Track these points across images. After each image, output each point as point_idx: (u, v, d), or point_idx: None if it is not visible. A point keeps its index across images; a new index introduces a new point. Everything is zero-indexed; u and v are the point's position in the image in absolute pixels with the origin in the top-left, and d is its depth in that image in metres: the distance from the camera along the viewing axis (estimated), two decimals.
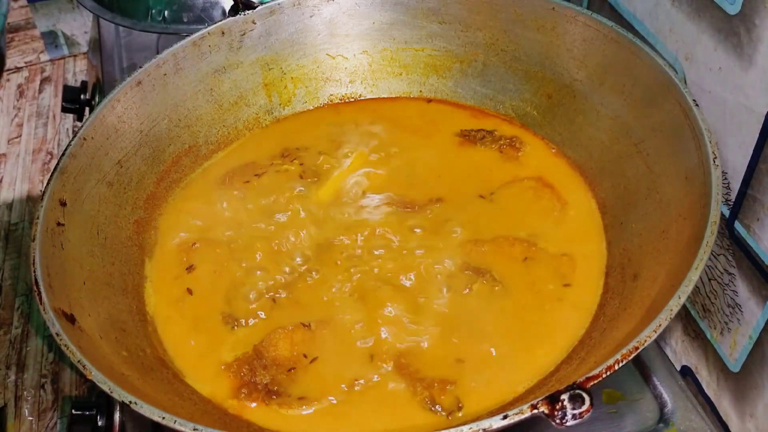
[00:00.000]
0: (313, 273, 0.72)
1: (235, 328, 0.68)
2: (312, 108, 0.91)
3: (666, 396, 0.69)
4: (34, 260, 0.62)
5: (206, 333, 0.68)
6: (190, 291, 0.72)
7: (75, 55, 2.39)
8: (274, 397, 0.62)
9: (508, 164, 0.81)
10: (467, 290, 0.68)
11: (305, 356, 0.65)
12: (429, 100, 0.91)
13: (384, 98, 0.92)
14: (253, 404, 0.62)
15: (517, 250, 0.71)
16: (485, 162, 0.82)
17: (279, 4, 0.87)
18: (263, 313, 0.69)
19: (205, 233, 0.77)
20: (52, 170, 0.70)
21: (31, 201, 1.94)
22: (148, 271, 0.74)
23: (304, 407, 0.61)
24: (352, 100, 0.92)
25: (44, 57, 2.37)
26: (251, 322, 0.68)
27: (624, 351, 0.50)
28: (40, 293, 0.59)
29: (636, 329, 0.53)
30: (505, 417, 0.47)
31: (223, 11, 1.16)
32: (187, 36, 0.83)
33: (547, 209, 0.75)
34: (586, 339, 0.63)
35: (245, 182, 0.82)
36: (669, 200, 0.65)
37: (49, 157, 2.06)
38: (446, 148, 0.84)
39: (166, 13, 1.16)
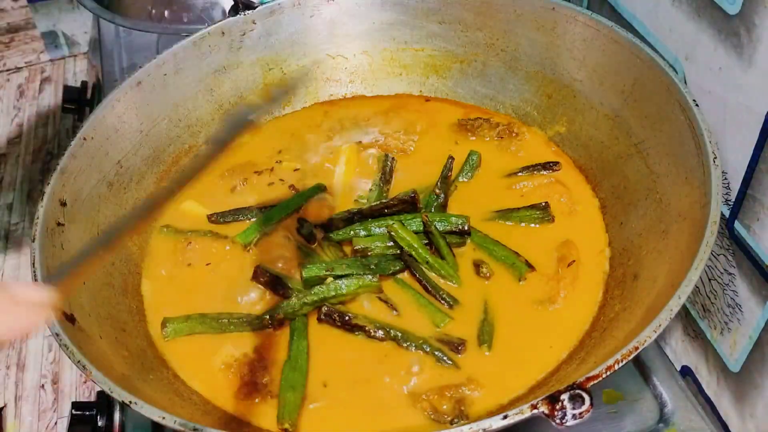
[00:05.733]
0: None
1: (235, 326, 0.68)
2: (309, 105, 0.92)
3: (666, 396, 0.69)
4: (34, 260, 0.62)
5: (206, 333, 0.68)
6: (188, 290, 0.72)
7: (75, 55, 2.39)
8: (274, 397, 0.62)
9: (509, 158, 0.81)
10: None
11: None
12: (427, 99, 0.91)
13: (383, 96, 0.92)
14: (253, 403, 0.62)
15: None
16: (484, 154, 0.82)
17: (279, 4, 0.87)
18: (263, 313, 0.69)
19: (202, 231, 0.77)
20: (52, 170, 0.70)
21: (31, 201, 1.94)
22: (146, 270, 0.74)
23: (303, 407, 0.61)
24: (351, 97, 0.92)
25: (44, 57, 2.37)
26: (252, 321, 0.68)
27: (624, 351, 0.50)
28: None
29: (636, 329, 0.53)
30: (505, 417, 0.47)
31: (223, 11, 1.16)
32: (187, 36, 0.83)
33: (555, 210, 0.75)
34: (586, 339, 0.63)
35: (244, 180, 0.82)
36: (669, 200, 0.65)
37: (49, 157, 2.05)
38: (447, 139, 0.85)
39: (166, 13, 1.16)
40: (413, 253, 0.70)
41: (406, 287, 0.69)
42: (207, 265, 0.74)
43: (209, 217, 0.78)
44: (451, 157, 0.80)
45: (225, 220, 0.78)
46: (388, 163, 0.81)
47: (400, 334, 0.65)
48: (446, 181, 0.78)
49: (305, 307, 0.67)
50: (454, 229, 0.72)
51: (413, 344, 0.64)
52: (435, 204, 0.76)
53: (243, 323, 0.67)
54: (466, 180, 0.79)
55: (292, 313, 0.67)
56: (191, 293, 0.71)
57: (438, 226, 0.71)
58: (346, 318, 0.66)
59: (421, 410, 0.60)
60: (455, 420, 0.59)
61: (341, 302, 0.68)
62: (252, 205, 0.79)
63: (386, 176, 0.80)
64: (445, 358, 0.63)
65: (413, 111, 0.89)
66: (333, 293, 0.67)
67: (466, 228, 0.72)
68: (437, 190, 0.76)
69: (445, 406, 0.60)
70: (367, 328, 0.65)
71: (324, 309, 0.66)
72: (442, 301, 0.68)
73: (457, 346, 0.64)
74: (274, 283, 0.70)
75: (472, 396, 0.61)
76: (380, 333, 0.65)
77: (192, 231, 0.77)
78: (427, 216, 0.71)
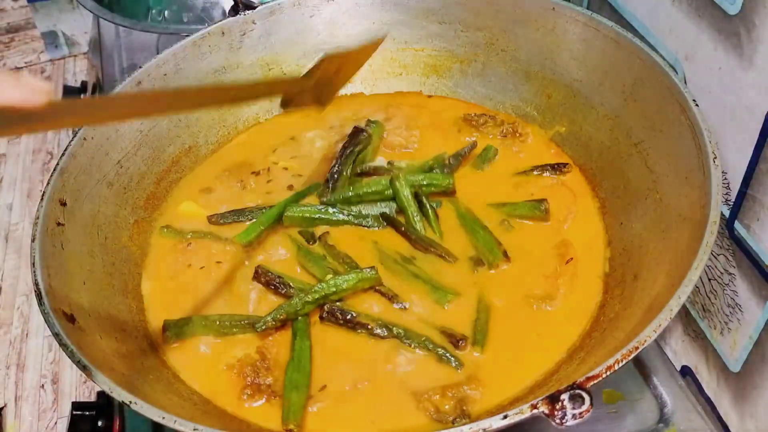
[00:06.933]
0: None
1: (237, 328, 0.68)
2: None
3: (666, 396, 0.69)
4: (34, 260, 0.62)
5: (208, 333, 0.68)
6: (189, 291, 0.72)
7: (75, 55, 2.40)
8: (277, 397, 0.62)
9: (511, 157, 0.82)
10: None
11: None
12: (430, 96, 0.91)
13: (383, 94, 0.92)
14: (257, 404, 0.62)
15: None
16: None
17: (279, 4, 0.87)
18: (265, 314, 0.68)
19: (202, 232, 0.77)
20: (52, 170, 0.70)
21: (31, 201, 1.94)
22: (146, 271, 0.74)
23: (307, 408, 0.61)
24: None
25: (44, 57, 2.38)
26: (253, 323, 0.68)
27: (624, 351, 0.50)
28: (40, 293, 0.59)
29: (636, 329, 0.53)
30: (505, 417, 0.47)
31: (223, 11, 1.16)
32: (187, 36, 0.83)
33: (557, 210, 0.75)
34: (586, 339, 0.63)
35: (241, 181, 0.82)
36: (669, 200, 0.65)
37: (49, 157, 2.06)
38: (450, 134, 0.85)
39: (166, 13, 1.16)
40: (405, 203, 0.75)
41: (408, 278, 0.70)
42: (202, 268, 0.74)
43: (209, 219, 0.78)
44: (475, 143, 0.82)
45: (225, 221, 0.78)
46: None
47: (402, 332, 0.65)
48: (458, 158, 0.81)
49: (307, 306, 0.67)
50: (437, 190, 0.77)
51: (415, 341, 0.64)
52: (443, 166, 0.80)
53: (245, 325, 0.67)
54: (477, 169, 0.81)
55: (294, 313, 0.67)
56: (192, 294, 0.71)
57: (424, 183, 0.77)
58: (349, 316, 0.66)
59: (424, 410, 0.60)
60: (457, 419, 0.59)
61: (341, 299, 0.68)
62: (251, 205, 0.79)
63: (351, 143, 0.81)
64: (447, 354, 0.63)
65: (414, 107, 0.89)
66: (333, 289, 0.67)
67: (451, 186, 0.77)
68: (451, 160, 0.80)
69: (446, 406, 0.60)
70: (369, 326, 0.65)
71: (326, 307, 0.66)
72: (432, 250, 0.71)
73: (458, 340, 0.64)
74: (275, 283, 0.70)
75: (473, 395, 0.61)
76: (383, 331, 0.65)
77: (192, 232, 0.77)
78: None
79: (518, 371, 0.62)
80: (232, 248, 0.75)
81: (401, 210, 0.76)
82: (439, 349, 0.64)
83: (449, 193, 0.77)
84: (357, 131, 0.81)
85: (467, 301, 0.68)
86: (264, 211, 0.78)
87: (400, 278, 0.70)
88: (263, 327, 0.66)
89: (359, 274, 0.68)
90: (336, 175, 0.78)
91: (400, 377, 0.63)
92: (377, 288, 0.69)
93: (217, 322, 0.68)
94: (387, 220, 0.75)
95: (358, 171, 0.80)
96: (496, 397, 0.60)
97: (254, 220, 0.77)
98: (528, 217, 0.74)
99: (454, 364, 0.63)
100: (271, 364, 0.65)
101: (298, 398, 0.61)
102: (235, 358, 0.65)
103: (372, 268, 0.68)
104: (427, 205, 0.75)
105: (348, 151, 0.79)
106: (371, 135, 0.82)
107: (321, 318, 0.67)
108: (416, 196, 0.76)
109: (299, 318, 0.67)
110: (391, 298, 0.68)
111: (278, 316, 0.66)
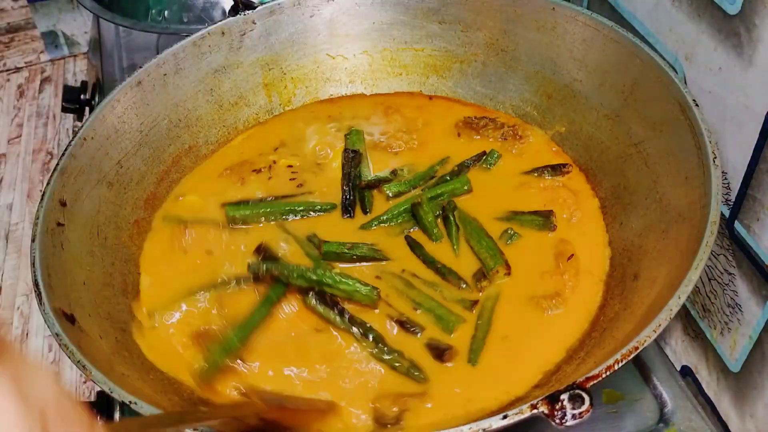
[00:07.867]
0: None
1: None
2: (309, 105, 0.92)
3: (666, 396, 0.69)
4: (34, 260, 0.62)
5: (208, 334, 0.68)
6: (182, 278, 0.72)
7: (75, 55, 2.40)
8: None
9: (512, 160, 0.81)
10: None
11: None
12: (430, 97, 0.90)
13: (384, 94, 0.92)
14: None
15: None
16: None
17: (279, 4, 0.87)
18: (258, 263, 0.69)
19: (201, 219, 0.77)
20: (52, 170, 0.70)
21: (31, 201, 1.94)
22: (144, 262, 0.74)
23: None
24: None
25: (44, 57, 2.38)
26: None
27: (624, 351, 0.50)
28: (40, 293, 0.59)
29: (636, 329, 0.53)
30: (504, 417, 0.47)
31: (223, 11, 1.16)
32: (187, 36, 0.83)
33: (558, 211, 0.75)
34: (586, 339, 0.63)
35: (241, 178, 0.82)
36: (669, 200, 0.65)
37: (49, 157, 2.06)
38: (450, 137, 0.85)
39: (166, 13, 1.16)
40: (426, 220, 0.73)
41: (410, 307, 0.68)
42: (198, 262, 0.74)
43: (222, 205, 0.78)
44: (480, 154, 0.81)
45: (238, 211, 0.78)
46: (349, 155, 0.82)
47: (378, 336, 0.64)
48: (464, 167, 0.80)
49: (299, 279, 0.67)
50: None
51: (387, 353, 0.63)
52: (450, 173, 0.79)
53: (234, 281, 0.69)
54: (480, 174, 0.80)
55: (286, 275, 0.67)
56: (186, 281, 0.71)
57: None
58: (337, 304, 0.66)
59: (370, 411, 0.60)
60: (390, 425, 0.58)
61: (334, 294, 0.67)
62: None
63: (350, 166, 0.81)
64: (414, 371, 0.62)
65: (414, 108, 0.89)
66: (330, 282, 0.67)
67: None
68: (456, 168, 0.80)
69: (395, 409, 0.59)
70: (352, 317, 0.65)
71: (317, 289, 0.67)
72: (451, 280, 0.69)
73: (443, 351, 0.63)
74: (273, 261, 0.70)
75: (421, 408, 0.59)
76: (358, 329, 0.64)
77: (191, 221, 0.77)
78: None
79: (517, 373, 0.62)
80: (232, 235, 0.75)
81: (424, 232, 0.74)
82: (405, 362, 0.62)
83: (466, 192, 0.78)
84: (350, 155, 0.81)
85: (469, 317, 0.67)
86: (277, 200, 0.79)
87: (405, 304, 0.68)
88: (254, 269, 0.68)
89: (361, 287, 0.67)
90: (349, 201, 0.78)
91: (358, 378, 0.62)
92: (392, 317, 0.67)
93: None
94: (411, 246, 0.73)
95: (364, 185, 0.79)
96: (496, 398, 0.60)
97: (252, 202, 0.78)
98: (537, 229, 0.73)
99: (418, 379, 0.62)
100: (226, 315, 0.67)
101: (220, 358, 0.63)
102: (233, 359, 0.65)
103: (375, 288, 0.67)
104: (453, 223, 0.73)
105: (351, 175, 0.80)
106: (362, 152, 0.83)
107: (311, 300, 0.66)
108: (443, 210, 0.75)
109: (277, 286, 0.68)
110: (404, 324, 0.66)
111: (272, 268, 0.68)
